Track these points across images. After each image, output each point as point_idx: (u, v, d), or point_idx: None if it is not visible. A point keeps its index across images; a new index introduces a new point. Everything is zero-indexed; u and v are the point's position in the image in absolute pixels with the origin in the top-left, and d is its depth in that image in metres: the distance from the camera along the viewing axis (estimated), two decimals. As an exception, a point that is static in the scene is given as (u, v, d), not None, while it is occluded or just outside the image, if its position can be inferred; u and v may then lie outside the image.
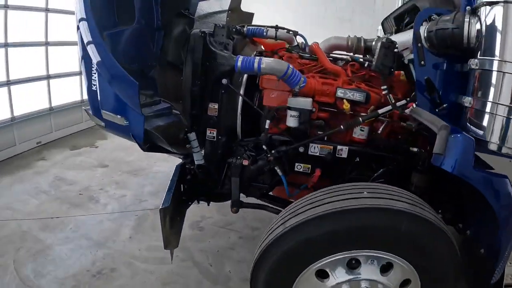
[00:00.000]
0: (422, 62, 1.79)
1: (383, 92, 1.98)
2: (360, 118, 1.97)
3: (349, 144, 2.12)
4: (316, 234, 1.52)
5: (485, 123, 1.53)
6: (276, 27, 2.62)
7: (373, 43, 2.84)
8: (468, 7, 1.60)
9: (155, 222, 2.99)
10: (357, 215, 1.48)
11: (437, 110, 1.77)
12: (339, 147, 2.09)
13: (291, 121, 2.04)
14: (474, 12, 1.56)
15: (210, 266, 2.63)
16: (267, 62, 1.92)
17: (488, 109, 1.51)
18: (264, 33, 2.60)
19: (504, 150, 1.50)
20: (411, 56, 1.90)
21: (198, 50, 2.16)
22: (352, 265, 1.59)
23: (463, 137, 1.47)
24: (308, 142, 2.08)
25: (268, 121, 2.08)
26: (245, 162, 2.13)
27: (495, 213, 1.51)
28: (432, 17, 1.77)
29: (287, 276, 1.62)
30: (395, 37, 2.03)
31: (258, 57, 1.96)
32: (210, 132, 2.24)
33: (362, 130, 2.09)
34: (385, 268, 1.59)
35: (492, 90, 1.49)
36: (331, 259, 1.55)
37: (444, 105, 1.77)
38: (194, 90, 2.21)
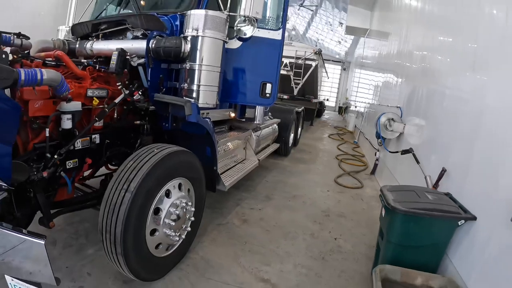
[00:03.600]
0: (151, 66, 2.94)
1: (119, 87, 2.78)
2: (106, 109, 2.66)
3: (96, 132, 2.65)
4: (151, 183, 2.25)
5: (194, 95, 3.02)
6: (19, 35, 2.60)
7: (76, 45, 3.46)
8: (182, 35, 2.95)
9: None
10: (163, 161, 2.39)
11: (160, 93, 3.00)
12: (93, 136, 2.59)
13: (67, 124, 2.34)
14: (185, 38, 2.93)
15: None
16: (47, 73, 2.08)
17: (194, 88, 3.02)
18: (11, 41, 2.52)
19: (203, 105, 3.06)
20: (140, 60, 2.94)
21: None
22: (167, 195, 2.52)
23: (195, 104, 2.85)
24: (79, 137, 2.43)
25: (47, 129, 2.20)
26: (45, 174, 2.18)
27: (208, 137, 3.11)
28: (156, 36, 2.93)
29: (141, 228, 2.23)
30: (125, 46, 2.94)
31: (38, 69, 2.05)
32: None
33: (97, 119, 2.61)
34: (179, 188, 2.69)
35: (195, 78, 2.98)
36: (158, 197, 2.37)
37: (164, 89, 3.07)
38: None
